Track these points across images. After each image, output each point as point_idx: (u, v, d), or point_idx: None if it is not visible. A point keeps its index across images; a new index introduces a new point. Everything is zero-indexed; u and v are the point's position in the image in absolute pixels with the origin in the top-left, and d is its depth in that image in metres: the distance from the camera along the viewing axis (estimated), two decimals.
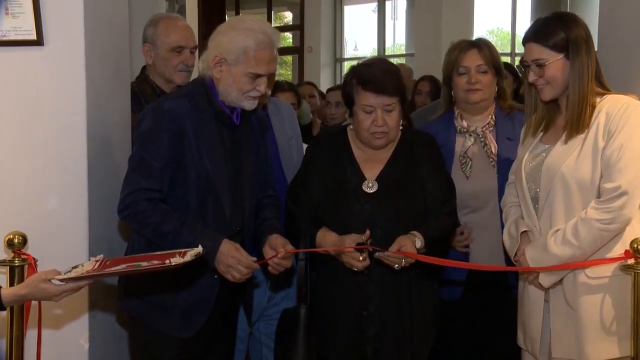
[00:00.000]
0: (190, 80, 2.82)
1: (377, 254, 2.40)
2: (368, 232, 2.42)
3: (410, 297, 2.55)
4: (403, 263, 2.41)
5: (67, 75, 2.43)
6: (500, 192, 2.72)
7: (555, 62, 2.34)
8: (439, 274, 2.75)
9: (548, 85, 2.37)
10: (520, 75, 3.69)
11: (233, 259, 2.27)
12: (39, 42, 2.40)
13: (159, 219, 2.27)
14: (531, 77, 2.38)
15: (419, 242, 2.44)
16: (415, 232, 2.46)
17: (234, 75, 2.34)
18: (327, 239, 2.51)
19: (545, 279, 2.35)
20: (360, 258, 2.42)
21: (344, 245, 2.43)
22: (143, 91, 3.01)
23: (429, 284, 2.64)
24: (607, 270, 2.30)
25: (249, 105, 2.39)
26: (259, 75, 2.35)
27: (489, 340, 2.82)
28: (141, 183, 2.28)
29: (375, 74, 2.54)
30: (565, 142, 2.35)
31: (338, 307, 2.56)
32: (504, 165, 2.77)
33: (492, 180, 2.79)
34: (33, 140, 2.43)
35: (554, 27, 2.36)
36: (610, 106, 2.30)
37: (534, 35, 2.39)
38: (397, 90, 2.54)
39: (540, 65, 2.35)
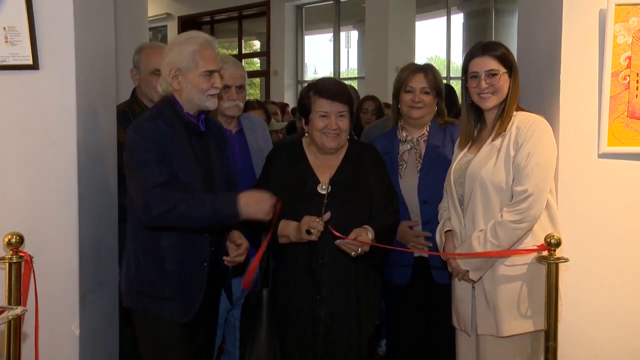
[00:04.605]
0: None
1: (337, 241, 2.42)
2: (329, 213, 2.43)
3: (358, 284, 2.58)
4: (359, 251, 2.44)
5: (60, 96, 2.40)
6: (420, 187, 2.81)
7: (504, 74, 2.39)
8: (383, 266, 2.78)
9: (494, 95, 2.40)
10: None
11: (254, 195, 2.29)
12: (34, 66, 2.38)
13: (182, 198, 2.21)
14: (483, 84, 2.39)
15: (371, 235, 2.47)
16: (367, 226, 2.49)
17: (191, 80, 2.34)
18: (289, 227, 2.51)
19: (473, 274, 2.40)
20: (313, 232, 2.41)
21: (303, 225, 2.42)
22: (133, 110, 3.00)
23: (374, 275, 2.67)
24: (523, 260, 2.36)
25: (212, 104, 2.38)
26: (212, 72, 2.35)
27: (432, 321, 2.85)
28: (149, 181, 2.21)
29: (330, 85, 2.62)
30: (490, 143, 2.39)
31: (294, 291, 2.56)
32: (426, 166, 2.84)
33: (415, 178, 2.84)
34: (29, 152, 2.41)
35: (499, 47, 2.42)
36: (521, 121, 2.37)
37: (487, 50, 2.41)
38: (348, 100, 2.60)
39: (493, 75, 2.38)
